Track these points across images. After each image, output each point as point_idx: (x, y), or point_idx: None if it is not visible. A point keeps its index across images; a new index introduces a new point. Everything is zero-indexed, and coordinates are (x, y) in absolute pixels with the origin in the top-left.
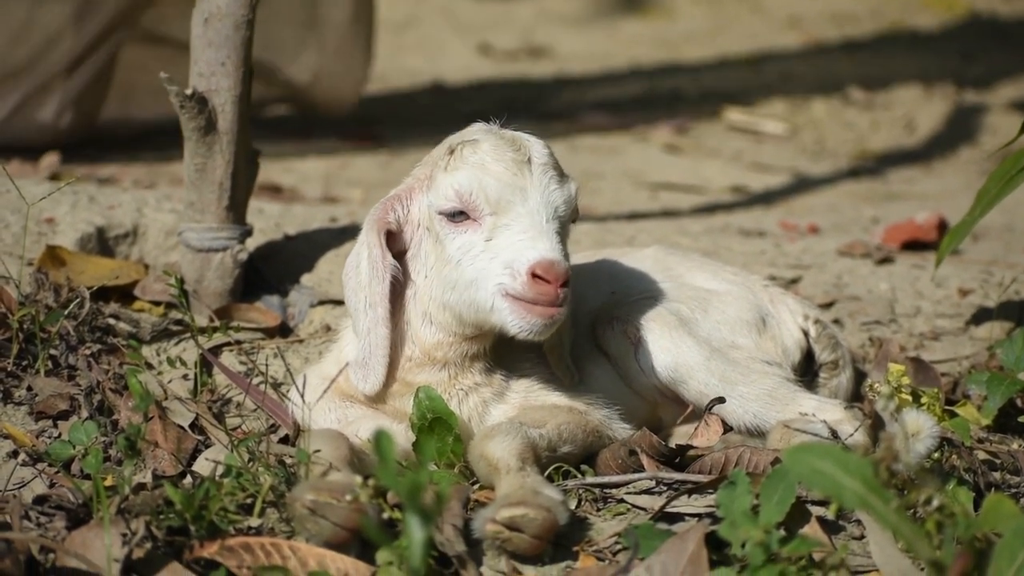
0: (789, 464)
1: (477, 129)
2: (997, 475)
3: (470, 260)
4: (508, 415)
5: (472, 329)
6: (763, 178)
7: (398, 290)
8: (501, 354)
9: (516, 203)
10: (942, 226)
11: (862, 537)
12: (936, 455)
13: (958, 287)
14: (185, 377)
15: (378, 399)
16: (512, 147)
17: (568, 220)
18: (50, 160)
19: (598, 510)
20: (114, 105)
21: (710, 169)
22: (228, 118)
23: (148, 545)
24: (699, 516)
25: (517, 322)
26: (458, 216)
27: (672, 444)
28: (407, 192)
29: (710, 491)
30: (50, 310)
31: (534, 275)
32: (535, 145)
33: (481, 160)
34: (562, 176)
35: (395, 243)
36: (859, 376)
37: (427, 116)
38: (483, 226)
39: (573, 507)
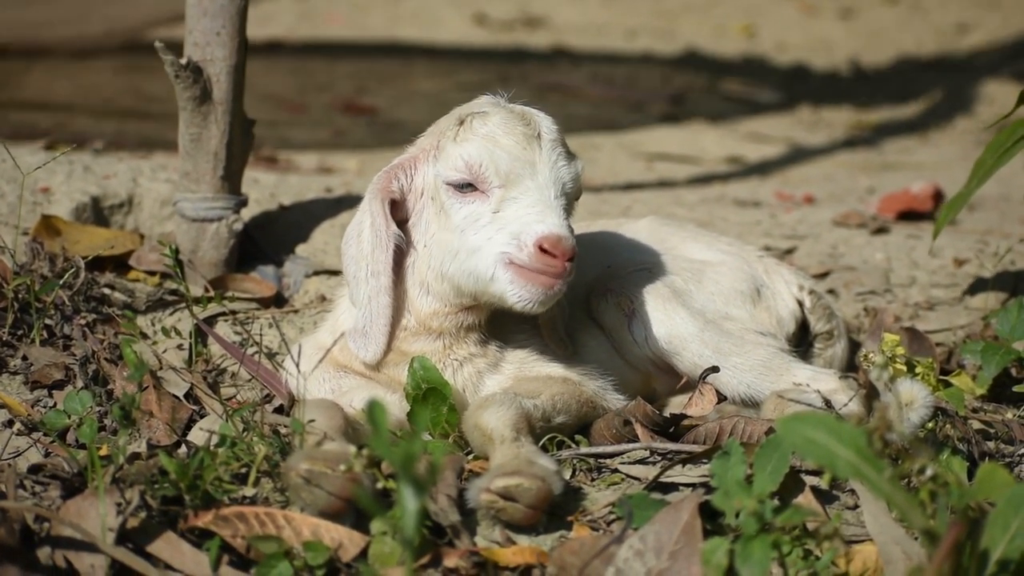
0: (783, 434)
1: (485, 101)
2: (991, 444)
3: (475, 230)
4: (503, 385)
5: (469, 300)
6: (759, 148)
7: (399, 259)
8: (496, 325)
9: (525, 177)
10: (937, 196)
11: (856, 507)
12: (930, 425)
13: (953, 257)
14: (180, 347)
15: (373, 368)
16: (522, 121)
17: (574, 198)
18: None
19: (592, 480)
20: None
21: (706, 139)
22: (223, 88)
23: (143, 514)
24: (693, 486)
25: (517, 291)
26: (466, 187)
27: (666, 414)
28: (411, 161)
29: (704, 461)
30: (45, 280)
31: (541, 249)
32: (544, 121)
33: (491, 132)
34: (570, 153)
35: (396, 212)
36: (854, 346)
37: (423, 87)
38: (491, 198)
39: (567, 477)
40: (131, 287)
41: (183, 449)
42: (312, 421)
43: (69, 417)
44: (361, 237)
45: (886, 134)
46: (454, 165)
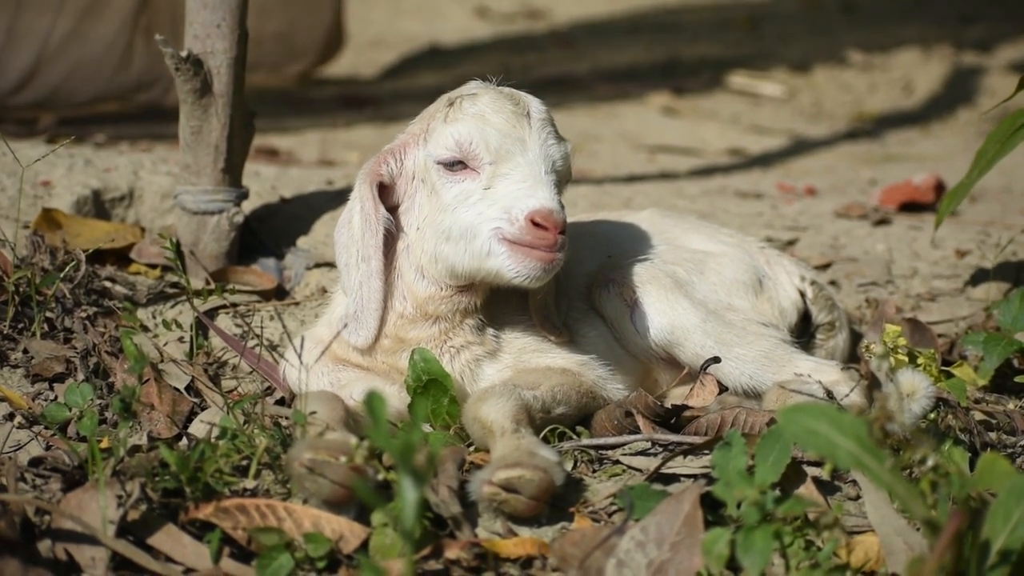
0: (784, 425)
1: (475, 85)
2: (993, 435)
3: (467, 207)
4: (501, 374)
5: (465, 280)
6: (761, 140)
7: (389, 244)
8: (493, 313)
9: (516, 153)
10: (939, 187)
11: (857, 497)
12: (932, 415)
13: (955, 248)
14: (181, 340)
15: (370, 357)
16: (511, 101)
17: (564, 177)
18: (46, 122)
19: (594, 471)
20: None
21: (708, 132)
22: (223, 81)
23: (143, 507)
24: (694, 477)
25: (515, 267)
26: (456, 165)
27: (668, 405)
28: (401, 147)
29: (705, 452)
30: (46, 273)
31: (533, 222)
32: (533, 101)
33: (481, 111)
34: (559, 135)
35: (387, 198)
36: (855, 337)
37: (424, 80)
38: (482, 175)
39: (569, 468)
40: (132, 280)
41: (184, 441)
42: (313, 412)
43: (70, 410)
44: (351, 224)
45: (888, 126)
46: (445, 144)
